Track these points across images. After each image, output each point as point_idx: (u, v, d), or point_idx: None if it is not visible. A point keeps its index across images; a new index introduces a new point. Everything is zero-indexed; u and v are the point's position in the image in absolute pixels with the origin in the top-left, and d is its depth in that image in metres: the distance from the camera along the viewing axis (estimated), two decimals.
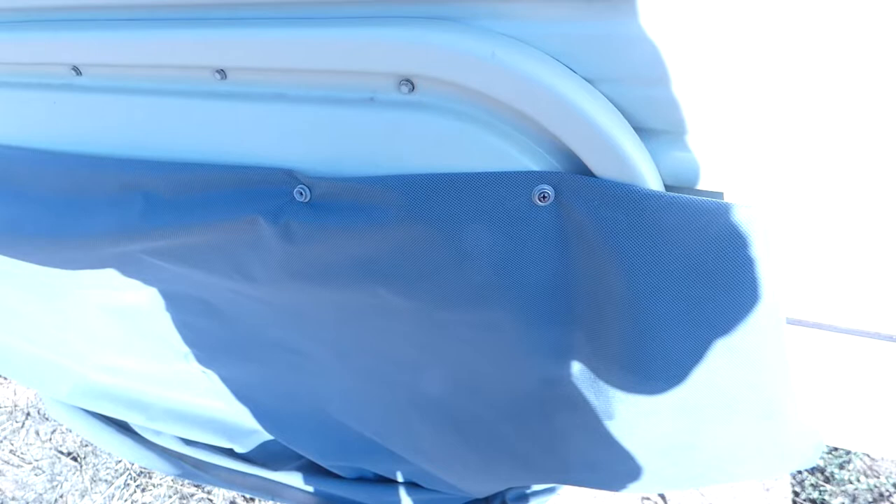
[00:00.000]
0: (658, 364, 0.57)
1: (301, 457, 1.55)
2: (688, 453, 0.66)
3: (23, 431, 1.84)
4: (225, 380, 1.37)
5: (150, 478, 1.71)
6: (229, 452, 1.58)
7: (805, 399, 0.72)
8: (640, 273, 0.52)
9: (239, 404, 1.41)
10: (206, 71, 0.59)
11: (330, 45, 0.52)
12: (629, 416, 0.63)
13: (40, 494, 1.70)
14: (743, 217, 0.48)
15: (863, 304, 0.58)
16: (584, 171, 0.51)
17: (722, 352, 0.56)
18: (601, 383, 0.62)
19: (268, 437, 1.53)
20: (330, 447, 1.39)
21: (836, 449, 1.65)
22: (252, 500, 1.67)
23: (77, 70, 0.65)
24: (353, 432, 1.30)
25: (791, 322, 0.65)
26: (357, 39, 0.51)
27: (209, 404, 1.52)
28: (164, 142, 0.64)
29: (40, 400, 1.89)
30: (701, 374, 0.58)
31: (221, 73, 0.58)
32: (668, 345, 0.56)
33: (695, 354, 0.57)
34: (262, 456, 1.59)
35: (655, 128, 0.49)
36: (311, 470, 1.55)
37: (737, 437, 0.63)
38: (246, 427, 1.53)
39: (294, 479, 1.54)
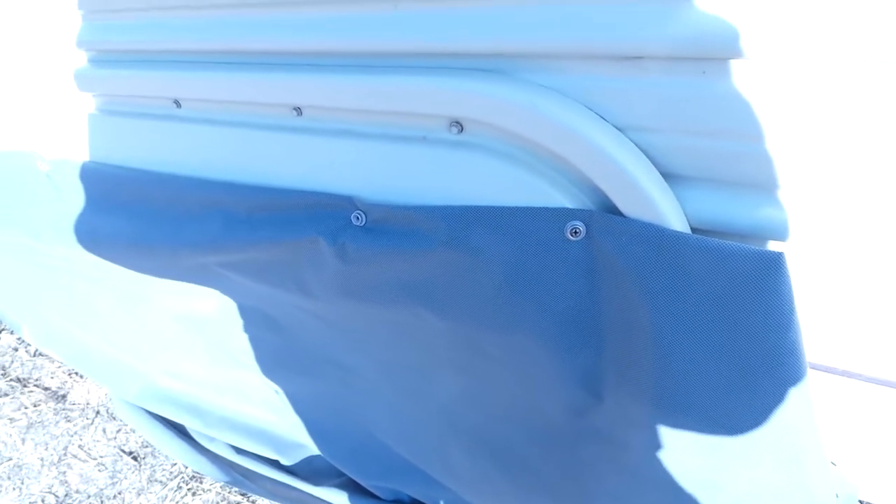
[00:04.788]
0: (681, 400, 0.59)
1: (342, 474, 1.60)
2: (710, 492, 0.67)
3: (92, 428, 1.98)
4: (278, 392, 1.44)
5: (201, 483, 1.80)
6: (275, 464, 1.64)
7: (840, 450, 0.71)
8: (665, 309, 0.55)
9: (289, 417, 1.47)
10: (285, 108, 0.68)
11: (392, 89, 0.59)
12: (653, 449, 0.64)
13: (101, 490, 1.82)
14: (765, 261, 0.51)
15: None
16: (615, 211, 0.55)
17: (744, 392, 0.58)
18: (627, 415, 0.65)
19: (313, 451, 1.58)
20: (371, 466, 1.43)
21: None
22: None
23: (177, 103, 0.76)
24: (393, 453, 1.33)
25: (823, 369, 0.65)
26: (415, 86, 0.58)
27: (261, 415, 1.60)
28: (245, 167, 0.73)
29: (110, 399, 2.04)
30: (722, 413, 0.59)
31: (298, 110, 0.67)
32: (690, 381, 0.58)
33: (717, 392, 0.58)
34: (306, 470, 1.65)
35: (682, 174, 0.53)
36: (351, 488, 1.59)
37: (759, 480, 0.63)
38: (293, 440, 1.59)
39: (334, 495, 1.58)
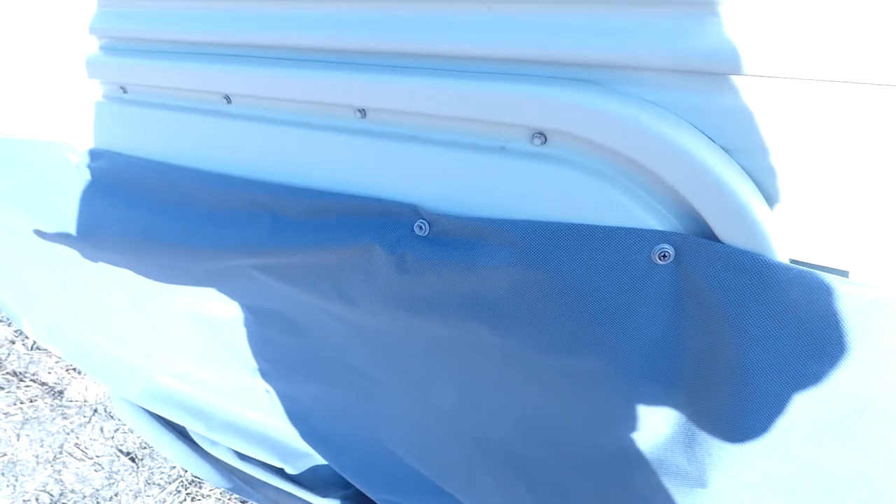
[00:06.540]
0: (763, 437, 0.56)
1: (349, 486, 1.55)
2: None
3: (89, 427, 1.93)
4: (288, 398, 1.40)
5: (201, 487, 1.75)
6: (280, 472, 1.60)
7: None
8: (756, 343, 0.52)
9: (297, 424, 1.43)
10: (347, 109, 0.64)
11: (471, 95, 0.56)
12: (724, 486, 0.61)
13: (97, 490, 1.76)
14: (870, 299, 0.48)
15: None
16: (707, 235, 0.52)
17: (832, 433, 0.54)
18: (697, 448, 0.61)
19: (319, 461, 1.54)
20: (382, 479, 1.39)
21: None
22: None
23: (228, 98, 0.72)
24: (407, 467, 1.29)
25: None
26: (498, 93, 0.54)
27: (268, 422, 1.56)
28: (299, 169, 0.69)
29: (108, 398, 1.98)
30: (807, 454, 0.56)
31: (362, 111, 0.63)
32: (776, 419, 0.55)
33: (803, 432, 0.55)
34: (312, 480, 1.60)
35: (787, 200, 0.50)
36: (358, 501, 1.55)
37: None
38: (299, 449, 1.55)
39: None
